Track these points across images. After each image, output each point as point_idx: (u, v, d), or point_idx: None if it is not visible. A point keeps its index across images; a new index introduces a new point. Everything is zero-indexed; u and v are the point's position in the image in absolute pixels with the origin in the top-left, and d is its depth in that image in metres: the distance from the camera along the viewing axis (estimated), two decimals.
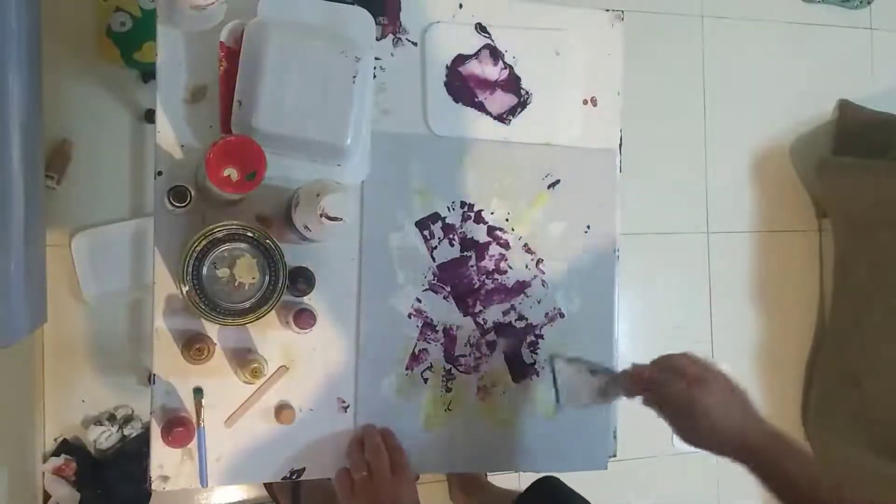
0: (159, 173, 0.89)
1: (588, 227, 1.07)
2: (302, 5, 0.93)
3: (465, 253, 1.02)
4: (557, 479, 1.18)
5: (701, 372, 0.83)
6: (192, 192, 0.87)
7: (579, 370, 0.96)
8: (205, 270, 0.81)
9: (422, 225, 1.00)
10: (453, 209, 1.01)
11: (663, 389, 0.84)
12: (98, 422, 1.58)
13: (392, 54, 0.99)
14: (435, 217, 1.01)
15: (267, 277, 0.83)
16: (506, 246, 1.03)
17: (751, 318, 2.10)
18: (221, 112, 0.90)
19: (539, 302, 1.05)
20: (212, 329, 0.91)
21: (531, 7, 1.06)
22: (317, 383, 0.95)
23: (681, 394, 0.82)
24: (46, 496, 1.52)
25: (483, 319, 1.02)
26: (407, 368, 0.99)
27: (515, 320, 1.04)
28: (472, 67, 1.02)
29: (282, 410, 0.93)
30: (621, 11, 1.09)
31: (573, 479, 1.18)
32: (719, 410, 0.80)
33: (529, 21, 1.05)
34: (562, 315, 1.05)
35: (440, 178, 1.01)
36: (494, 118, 1.03)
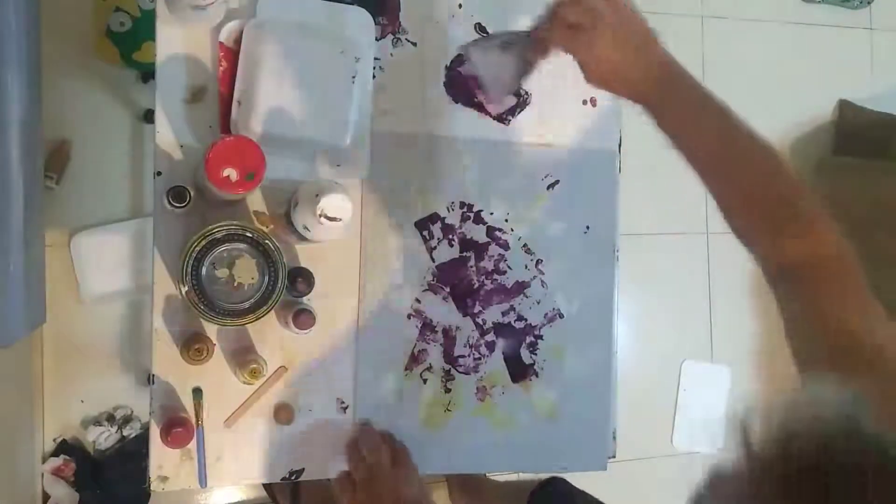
0: (158, 173, 0.89)
1: (588, 227, 1.07)
2: (301, 5, 0.93)
3: (465, 253, 1.02)
4: (565, 480, 1.18)
5: (592, 15, 0.79)
6: (192, 193, 0.87)
7: (492, 51, 0.92)
8: (204, 271, 0.81)
9: (421, 225, 1.00)
10: (453, 209, 1.01)
11: (562, 40, 0.82)
12: (97, 422, 1.58)
13: (391, 54, 0.99)
14: (434, 217, 1.00)
15: (266, 278, 0.83)
16: (505, 246, 1.03)
17: (750, 318, 2.10)
18: (221, 112, 0.90)
19: (538, 302, 1.04)
20: (211, 329, 0.91)
21: (531, 7, 1.05)
22: (316, 384, 0.95)
23: (577, 40, 0.80)
24: (45, 496, 1.52)
25: (482, 320, 1.02)
26: (406, 369, 0.99)
27: (515, 321, 1.04)
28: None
29: (281, 411, 0.93)
30: None
31: (573, 480, 1.19)
32: (608, 53, 0.78)
33: (529, 21, 1.05)
34: (561, 315, 1.05)
35: (440, 179, 1.01)
36: (494, 118, 1.03)
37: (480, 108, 1.02)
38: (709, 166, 0.77)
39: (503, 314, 1.03)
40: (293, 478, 0.95)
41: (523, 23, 1.04)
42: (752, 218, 0.75)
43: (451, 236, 1.01)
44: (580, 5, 0.80)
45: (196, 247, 0.80)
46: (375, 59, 0.98)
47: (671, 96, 0.79)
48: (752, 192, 0.75)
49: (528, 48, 0.89)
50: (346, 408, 0.97)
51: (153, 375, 0.89)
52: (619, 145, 1.09)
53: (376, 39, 0.98)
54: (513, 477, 1.60)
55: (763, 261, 0.71)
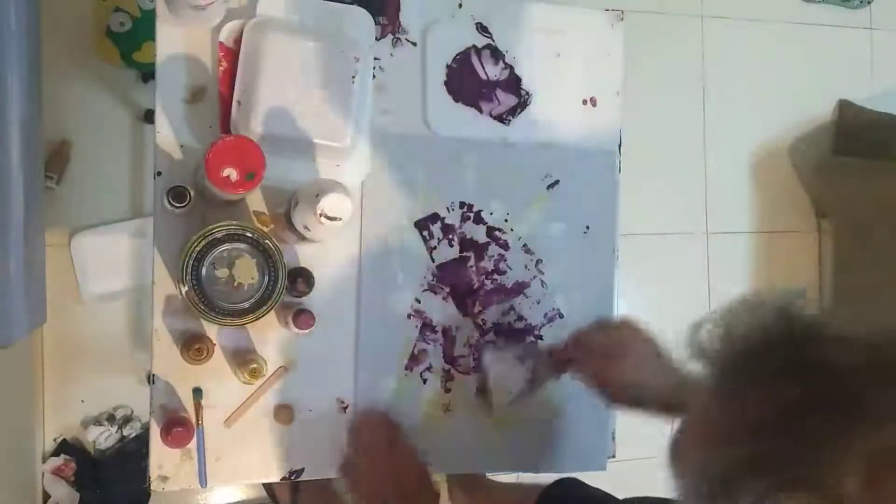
0: (159, 173, 0.89)
1: (587, 227, 1.06)
2: (301, 5, 0.93)
3: (465, 253, 1.02)
4: (577, 480, 1.18)
5: (611, 345, 0.86)
6: (192, 193, 0.87)
7: (507, 360, 0.98)
8: (204, 271, 0.81)
9: (421, 225, 1.00)
10: (453, 209, 1.01)
11: (578, 365, 0.89)
12: (97, 422, 1.58)
13: (391, 54, 0.99)
14: (434, 217, 1.00)
15: (266, 278, 0.83)
16: (505, 246, 1.03)
17: None
18: (221, 112, 0.90)
19: (538, 302, 1.04)
20: (211, 329, 0.91)
21: (531, 7, 1.06)
22: (316, 384, 0.95)
23: (595, 370, 0.87)
24: (46, 496, 1.52)
25: (482, 320, 1.02)
26: (406, 369, 0.99)
27: (515, 321, 1.04)
28: (473, 67, 1.02)
29: (281, 411, 0.93)
30: (621, 11, 1.09)
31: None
32: (633, 377, 0.84)
33: (529, 21, 1.05)
34: (561, 316, 1.05)
35: (440, 179, 1.01)
36: (494, 118, 1.03)
37: (481, 107, 1.03)
38: None
39: (503, 314, 1.03)
40: (293, 477, 0.95)
41: (523, 21, 1.04)
42: None
43: (451, 236, 1.01)
44: (609, 336, 0.87)
45: (196, 247, 0.80)
46: (375, 59, 0.98)
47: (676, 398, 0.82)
48: None
49: (545, 367, 0.96)
50: (346, 407, 0.97)
51: (153, 375, 0.89)
52: (619, 145, 1.09)
53: (376, 39, 0.98)
54: (513, 477, 1.59)
55: None
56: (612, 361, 0.85)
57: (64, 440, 1.56)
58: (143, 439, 1.54)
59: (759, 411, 0.45)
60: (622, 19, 1.09)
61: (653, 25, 2.01)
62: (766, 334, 0.48)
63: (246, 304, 0.83)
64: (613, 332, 0.88)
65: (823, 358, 0.45)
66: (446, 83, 1.01)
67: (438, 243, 1.01)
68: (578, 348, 0.90)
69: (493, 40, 1.03)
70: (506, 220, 1.03)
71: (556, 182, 1.05)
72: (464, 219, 1.01)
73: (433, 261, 1.00)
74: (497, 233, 1.03)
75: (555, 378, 0.98)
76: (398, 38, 0.99)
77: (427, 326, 1.00)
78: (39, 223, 1.24)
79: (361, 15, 0.96)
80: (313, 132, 0.90)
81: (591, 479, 1.08)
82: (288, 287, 0.87)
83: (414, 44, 1.00)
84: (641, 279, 1.98)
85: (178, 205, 0.86)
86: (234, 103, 0.88)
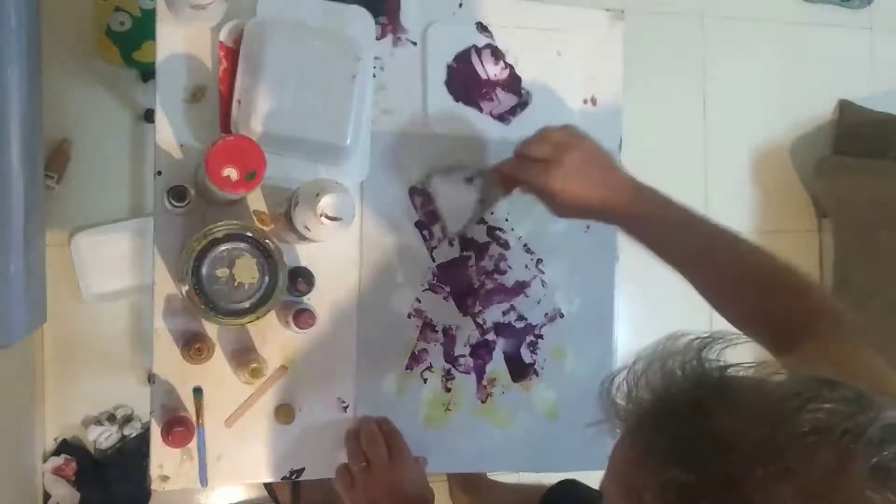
0: (159, 173, 0.89)
1: (588, 226, 1.06)
2: (301, 5, 0.93)
3: (465, 253, 1.02)
4: (577, 482, 1.18)
5: (554, 151, 0.84)
6: (192, 192, 0.87)
7: (455, 184, 0.96)
8: (204, 270, 0.81)
9: (421, 225, 1.00)
10: None
11: (522, 176, 0.87)
12: (98, 422, 1.58)
13: (392, 54, 0.99)
14: (434, 217, 1.00)
15: (266, 277, 0.83)
16: (505, 246, 1.03)
17: None
18: (221, 112, 0.90)
19: (539, 302, 1.04)
20: (211, 329, 0.91)
21: (531, 7, 1.06)
22: (316, 383, 0.95)
23: (537, 176, 0.84)
24: (46, 496, 1.52)
25: (482, 319, 1.02)
26: (406, 368, 0.99)
27: (515, 320, 1.04)
28: (473, 66, 1.02)
29: (281, 410, 0.93)
30: (621, 11, 1.09)
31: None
32: (576, 183, 0.82)
33: (530, 21, 1.05)
34: (561, 315, 1.05)
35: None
36: (495, 118, 1.03)
37: (481, 107, 1.03)
38: (691, 264, 0.82)
39: (503, 314, 1.03)
40: (294, 477, 0.95)
41: (523, 21, 1.04)
42: (747, 302, 0.79)
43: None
44: (546, 141, 0.85)
45: (196, 246, 0.80)
46: (375, 58, 0.98)
47: (642, 206, 0.83)
48: (740, 277, 0.79)
49: (492, 184, 0.94)
50: (346, 407, 0.97)
51: (154, 375, 0.89)
52: (620, 145, 1.09)
53: (376, 39, 0.98)
54: (513, 477, 1.60)
55: (769, 337, 0.73)
56: (552, 168, 0.82)
57: (64, 440, 1.56)
58: (143, 439, 1.54)
59: (654, 495, 0.43)
60: (622, 19, 1.09)
61: (653, 25, 2.01)
62: (665, 400, 0.46)
63: (246, 304, 0.83)
64: (553, 139, 0.85)
65: (717, 437, 0.42)
66: (447, 83, 1.01)
67: (439, 243, 1.01)
68: (520, 159, 0.87)
69: (494, 40, 1.03)
70: (506, 220, 1.03)
71: None
72: None
73: (433, 260, 1.00)
74: (497, 232, 1.03)
75: (504, 196, 0.95)
76: (398, 38, 0.99)
77: (427, 326, 1.00)
78: (39, 223, 1.24)
79: (362, 14, 0.96)
80: (313, 131, 0.90)
81: (592, 478, 1.08)
82: (288, 286, 0.87)
83: (414, 43, 1.00)
84: (642, 279, 1.98)
85: (178, 204, 0.86)
86: (235, 103, 0.88)
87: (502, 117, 1.03)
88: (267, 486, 1.63)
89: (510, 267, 1.03)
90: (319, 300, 0.94)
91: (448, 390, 1.01)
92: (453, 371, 1.01)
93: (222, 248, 0.82)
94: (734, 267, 0.79)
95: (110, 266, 1.58)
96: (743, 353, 0.51)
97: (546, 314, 1.05)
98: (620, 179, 0.85)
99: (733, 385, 0.46)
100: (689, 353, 0.48)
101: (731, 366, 0.48)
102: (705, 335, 0.49)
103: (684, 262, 0.82)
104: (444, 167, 0.99)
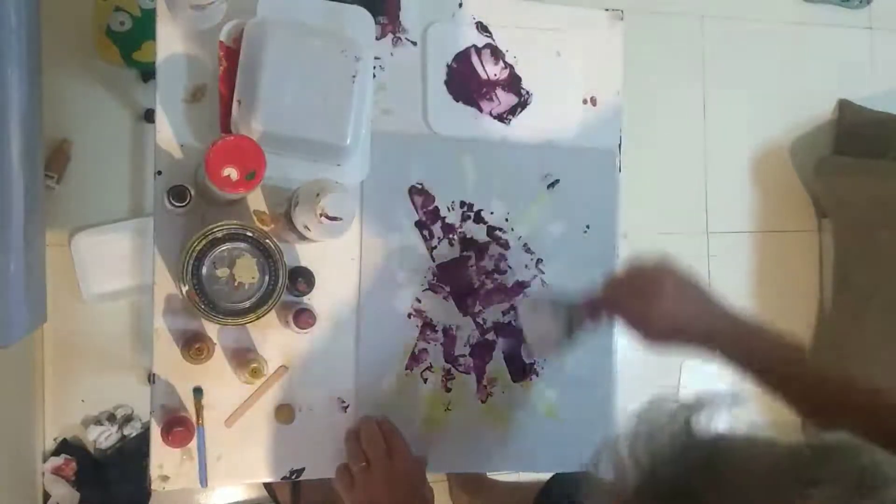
0: (159, 173, 0.89)
1: (588, 226, 1.07)
2: (301, 5, 0.93)
3: (465, 253, 1.02)
4: (566, 477, 1.17)
5: (646, 282, 0.83)
6: (192, 192, 0.87)
7: (542, 316, 0.94)
8: (204, 270, 0.81)
9: (421, 225, 1.00)
10: (453, 209, 1.01)
11: (618, 308, 0.86)
12: (98, 421, 1.58)
13: (392, 54, 0.99)
14: (434, 217, 1.00)
15: (266, 277, 0.83)
16: (505, 246, 1.03)
17: None
18: (221, 112, 0.90)
19: None
20: (211, 329, 0.91)
21: (531, 7, 1.06)
22: (316, 383, 0.95)
23: (634, 310, 0.84)
24: (46, 496, 1.52)
25: (482, 319, 1.02)
26: (407, 368, 0.99)
27: (515, 320, 1.04)
28: (473, 66, 1.02)
29: (281, 410, 0.93)
30: (621, 11, 1.09)
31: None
32: (674, 310, 0.81)
33: (529, 20, 1.05)
34: None
35: (440, 178, 1.01)
36: (494, 117, 1.03)
37: (481, 107, 1.03)
38: (781, 386, 0.79)
39: (503, 313, 1.03)
40: (294, 477, 0.95)
41: (523, 21, 1.04)
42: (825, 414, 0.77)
43: (451, 236, 1.01)
44: (641, 272, 0.84)
45: (196, 246, 0.80)
46: (375, 58, 0.98)
47: (733, 335, 0.81)
48: (825, 401, 0.77)
49: (582, 315, 0.91)
50: (347, 407, 0.97)
51: (154, 375, 0.90)
52: (620, 145, 1.09)
53: (376, 39, 0.98)
54: (513, 477, 1.60)
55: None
56: (648, 301, 0.82)
57: (64, 440, 1.56)
58: (143, 439, 1.54)
59: None
60: (622, 19, 1.09)
61: (653, 25, 2.01)
62: (653, 481, 0.45)
63: (246, 304, 0.83)
64: (648, 273, 0.84)
65: None
66: (446, 82, 1.01)
67: (439, 243, 1.01)
68: (613, 290, 0.87)
69: (494, 40, 1.03)
70: (506, 220, 1.03)
71: (557, 181, 1.05)
72: (464, 218, 1.01)
73: (433, 260, 1.00)
74: (497, 232, 1.03)
75: (593, 325, 0.93)
76: (398, 38, 0.99)
77: (427, 326, 1.00)
78: (39, 223, 1.24)
79: (362, 14, 0.96)
80: (314, 131, 0.90)
81: None
82: (288, 286, 0.87)
83: (414, 43, 1.00)
84: None
85: (178, 204, 0.86)
86: (235, 103, 0.88)
87: (502, 117, 1.03)
88: (267, 486, 1.62)
89: (510, 267, 1.03)
90: (319, 300, 0.94)
91: (448, 390, 1.01)
92: (453, 371, 1.01)
93: (222, 248, 0.82)
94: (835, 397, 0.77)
95: (110, 266, 1.58)
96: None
97: None
98: (717, 307, 0.83)
99: (724, 462, 0.44)
100: (677, 424, 0.46)
101: (722, 437, 0.46)
102: (692, 401, 0.47)
103: (785, 388, 0.80)
104: (530, 302, 0.99)
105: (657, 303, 0.81)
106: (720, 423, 0.47)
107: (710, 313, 0.82)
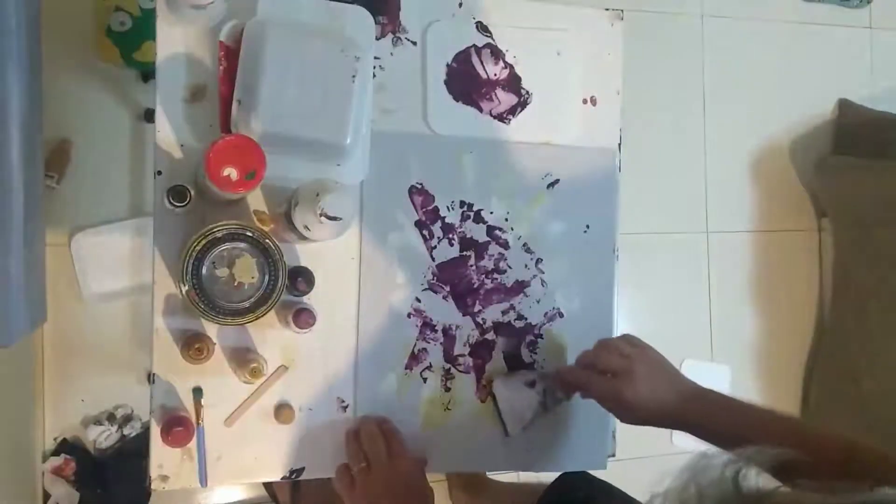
0: (159, 173, 0.89)
1: (587, 226, 1.07)
2: (301, 4, 0.93)
3: (465, 252, 1.02)
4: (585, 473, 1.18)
5: (621, 362, 0.88)
6: (192, 192, 0.87)
7: (517, 387, 1.00)
8: (204, 270, 0.81)
9: (421, 224, 1.00)
10: (453, 209, 1.01)
11: (591, 388, 0.91)
12: (97, 421, 1.58)
13: (392, 53, 0.99)
14: (434, 216, 1.00)
15: (266, 277, 0.83)
16: (505, 245, 1.03)
17: (750, 318, 2.10)
18: (221, 111, 0.90)
19: (538, 301, 1.04)
20: (211, 329, 0.91)
21: (531, 6, 1.06)
22: (316, 383, 0.95)
23: (607, 388, 0.88)
24: (46, 495, 1.52)
25: (482, 319, 1.02)
26: (406, 368, 0.99)
27: (515, 320, 1.04)
28: (473, 66, 1.02)
29: (281, 410, 0.93)
30: (621, 11, 1.09)
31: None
32: (646, 393, 0.85)
33: (529, 20, 1.05)
34: (561, 315, 1.05)
35: (440, 178, 1.01)
36: (494, 117, 1.03)
37: (480, 107, 1.03)
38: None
39: (503, 313, 1.03)
40: (293, 477, 0.95)
41: (523, 21, 1.04)
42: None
43: (451, 235, 1.01)
44: (611, 352, 0.89)
45: (196, 246, 0.80)
46: (375, 58, 0.98)
47: (706, 409, 0.85)
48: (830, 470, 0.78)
49: (556, 389, 0.99)
50: (346, 407, 0.97)
51: (153, 375, 0.90)
52: (619, 145, 1.09)
53: (376, 38, 0.98)
54: (513, 476, 1.60)
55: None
56: (622, 380, 0.86)
57: (64, 439, 1.56)
58: (143, 438, 1.54)
59: None
60: (622, 18, 1.09)
61: (653, 25, 2.01)
62: None
63: (246, 304, 0.83)
64: (618, 350, 0.89)
65: None
66: (446, 82, 1.01)
67: (438, 242, 1.01)
68: (587, 369, 0.92)
69: (494, 39, 1.03)
70: (506, 220, 1.03)
71: (556, 181, 1.05)
72: (464, 218, 1.01)
73: (433, 260, 1.00)
74: (497, 232, 1.03)
75: (567, 399, 1.01)
76: (398, 38, 0.99)
77: (427, 325, 1.00)
78: (39, 223, 1.24)
79: (362, 14, 0.96)
80: (314, 131, 0.90)
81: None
82: (288, 286, 0.87)
83: (414, 43, 1.00)
84: (641, 278, 1.98)
85: (178, 204, 0.86)
86: (235, 102, 0.88)
87: (502, 117, 1.03)
88: (267, 486, 1.63)
89: (510, 266, 1.03)
90: (319, 300, 0.94)
91: (448, 390, 1.01)
92: (453, 371, 1.01)
93: (222, 248, 0.82)
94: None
95: (110, 266, 1.58)
96: None
97: (546, 314, 1.05)
98: (686, 386, 0.87)
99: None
100: (725, 484, 0.47)
101: (770, 494, 0.47)
102: (737, 459, 0.48)
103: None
104: (502, 370, 1.02)
105: (629, 385, 0.86)
106: (767, 479, 0.48)
107: (681, 394, 0.86)
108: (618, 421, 1.05)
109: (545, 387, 0.99)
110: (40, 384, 1.56)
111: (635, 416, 0.87)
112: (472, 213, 1.02)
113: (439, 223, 1.00)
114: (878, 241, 1.85)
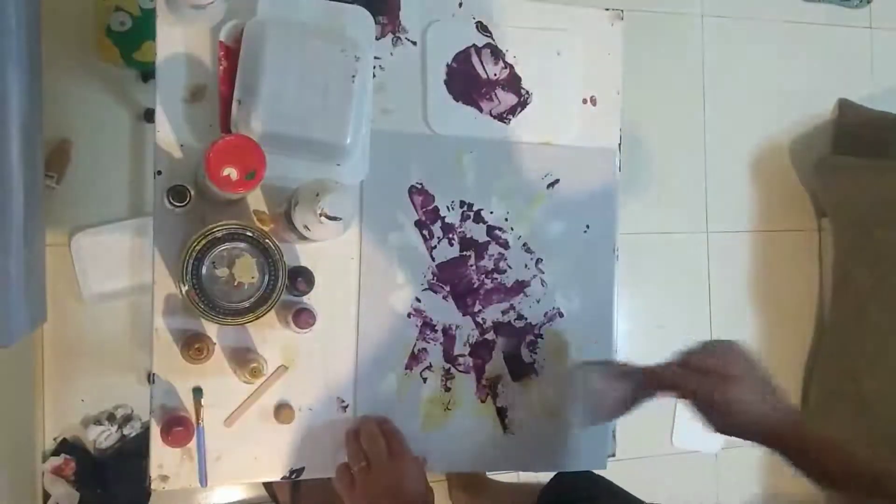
0: (159, 173, 0.89)
1: (587, 226, 1.07)
2: (301, 4, 0.93)
3: (465, 252, 1.02)
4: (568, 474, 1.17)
5: (728, 368, 0.83)
6: (192, 192, 0.87)
7: (604, 377, 0.95)
8: (204, 270, 0.81)
9: (421, 224, 1.00)
10: (452, 208, 1.01)
11: (693, 386, 0.85)
12: (97, 421, 1.58)
13: (391, 53, 0.99)
14: (434, 216, 1.00)
15: (266, 277, 0.83)
16: (505, 245, 1.03)
17: (750, 318, 2.10)
18: (221, 111, 0.90)
19: (538, 301, 1.05)
20: (211, 329, 0.91)
21: (531, 6, 1.06)
22: (316, 383, 0.95)
23: (710, 388, 0.83)
24: (46, 495, 1.52)
25: (482, 319, 1.02)
26: (406, 368, 0.99)
27: (514, 320, 1.04)
28: (473, 66, 1.02)
29: (281, 410, 0.93)
30: (621, 11, 1.09)
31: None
32: (751, 400, 0.82)
33: (529, 20, 1.05)
34: (561, 315, 1.05)
35: (440, 178, 1.01)
36: (494, 117, 1.03)
37: (480, 107, 1.03)
38: (840, 485, 0.80)
39: (503, 313, 1.03)
40: (293, 477, 0.95)
41: (523, 20, 1.04)
42: None
43: (450, 235, 1.01)
44: (713, 353, 0.85)
45: (196, 246, 0.80)
46: (375, 58, 0.98)
47: (805, 436, 0.82)
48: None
49: (642, 388, 0.92)
50: (346, 407, 0.97)
51: (153, 375, 0.90)
52: (619, 145, 1.09)
53: (376, 38, 0.98)
54: (513, 476, 1.60)
55: None
56: (726, 382, 0.82)
57: (64, 439, 1.56)
58: (143, 438, 1.54)
59: None
60: (622, 18, 1.09)
61: (653, 25, 2.01)
62: None
63: (246, 304, 0.83)
64: (723, 353, 0.85)
65: None
66: (446, 82, 1.01)
67: (438, 242, 1.01)
68: (687, 369, 0.86)
69: (494, 39, 1.03)
70: (506, 220, 1.03)
71: (556, 181, 1.05)
72: (464, 218, 1.02)
73: (433, 260, 1.00)
74: (497, 232, 1.03)
75: (649, 398, 0.93)
76: (398, 38, 0.99)
77: (427, 325, 1.00)
78: (39, 223, 1.24)
79: (362, 14, 0.96)
80: (313, 131, 0.90)
81: None
82: (288, 286, 0.87)
83: (414, 43, 1.00)
84: (641, 279, 1.99)
85: (178, 204, 0.86)
86: (235, 102, 0.88)
87: (502, 117, 1.03)
88: (267, 485, 1.63)
89: (510, 266, 1.03)
90: (319, 300, 0.94)
91: (448, 390, 1.01)
92: (453, 370, 1.01)
93: (222, 247, 0.82)
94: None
95: (110, 266, 1.58)
96: None
97: (546, 314, 1.05)
98: (786, 404, 0.84)
99: None
100: None
101: None
102: None
103: (832, 484, 0.81)
104: (599, 361, 0.98)
105: (734, 390, 0.81)
106: None
107: (784, 413, 0.82)
108: (617, 421, 1.06)
109: (632, 384, 0.93)
110: (40, 384, 1.56)
111: (730, 421, 0.82)
112: (472, 213, 1.02)
113: (439, 223, 1.00)
114: (878, 241, 1.85)
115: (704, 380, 0.84)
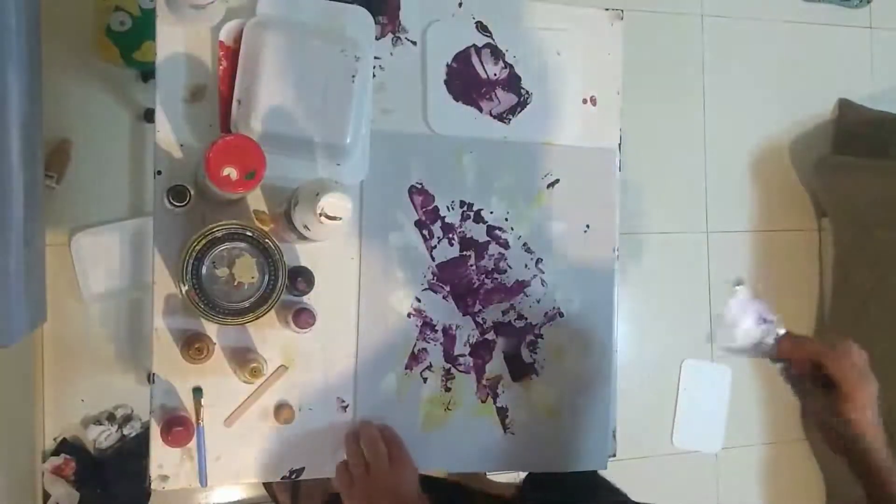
0: (159, 173, 0.89)
1: (587, 226, 1.07)
2: (301, 4, 0.93)
3: (465, 252, 1.02)
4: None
5: (865, 367, 0.80)
6: (192, 192, 0.87)
7: (750, 314, 0.91)
8: (204, 270, 0.81)
9: (421, 224, 1.00)
10: (453, 208, 1.01)
11: (829, 364, 0.80)
12: (97, 421, 1.58)
13: (391, 53, 0.99)
14: (434, 216, 1.00)
15: (266, 277, 0.83)
16: (505, 245, 1.03)
17: None
18: (221, 111, 0.90)
19: (538, 301, 1.04)
20: (211, 329, 0.91)
21: (531, 6, 1.06)
22: (316, 383, 0.95)
23: (847, 371, 0.79)
24: (46, 495, 1.52)
25: (482, 319, 1.02)
26: (406, 368, 0.99)
27: (515, 320, 1.04)
28: (473, 66, 1.02)
29: (281, 410, 0.93)
30: (621, 11, 1.09)
31: None
32: (873, 399, 0.78)
33: (529, 20, 1.05)
34: (561, 314, 1.05)
35: (440, 178, 1.01)
36: (494, 117, 1.03)
37: (480, 106, 1.03)
38: None
39: (503, 313, 1.03)
40: (293, 477, 0.95)
41: (523, 20, 1.04)
42: None
43: (451, 235, 1.01)
44: (861, 357, 0.80)
45: (196, 246, 0.80)
46: (375, 58, 0.98)
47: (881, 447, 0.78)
48: None
49: (775, 344, 0.89)
50: (346, 407, 0.97)
51: (153, 374, 0.90)
52: (620, 144, 1.09)
53: (376, 38, 0.98)
54: (513, 477, 1.60)
55: None
56: (863, 382, 0.77)
57: (64, 439, 1.56)
58: (143, 438, 1.54)
59: None
60: (622, 18, 1.09)
61: (653, 25, 2.01)
62: None
63: (246, 304, 0.83)
64: (861, 357, 0.80)
65: None
66: (446, 82, 1.01)
67: (438, 242, 1.01)
68: (833, 350, 0.81)
69: (493, 39, 1.03)
70: (506, 219, 1.03)
71: (557, 181, 1.05)
72: (464, 218, 1.02)
73: (433, 260, 1.00)
74: (497, 231, 1.03)
75: (771, 360, 0.89)
76: (398, 38, 0.99)
77: (427, 325, 1.00)
78: (39, 223, 1.24)
79: (362, 14, 0.96)
80: (313, 131, 0.90)
81: None
82: (288, 286, 0.87)
83: (414, 43, 1.00)
84: (641, 278, 1.99)
85: (178, 204, 0.86)
86: (235, 102, 0.89)
87: (502, 117, 1.03)
88: (266, 485, 1.62)
89: (510, 266, 1.03)
90: (319, 300, 0.94)
91: (448, 390, 1.01)
92: (453, 371, 1.01)
93: (222, 247, 0.82)
94: None
95: (110, 266, 1.58)
96: None
97: (546, 314, 1.05)
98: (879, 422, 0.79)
99: None
100: None
101: None
102: None
103: None
104: (746, 298, 0.93)
105: (868, 386, 0.78)
106: None
107: (879, 431, 0.78)
108: (617, 421, 1.06)
109: (770, 335, 0.89)
110: (40, 384, 1.56)
111: (847, 415, 0.77)
112: (472, 213, 1.02)
113: (439, 223, 1.00)
114: (878, 241, 1.85)
115: (846, 365, 0.79)
